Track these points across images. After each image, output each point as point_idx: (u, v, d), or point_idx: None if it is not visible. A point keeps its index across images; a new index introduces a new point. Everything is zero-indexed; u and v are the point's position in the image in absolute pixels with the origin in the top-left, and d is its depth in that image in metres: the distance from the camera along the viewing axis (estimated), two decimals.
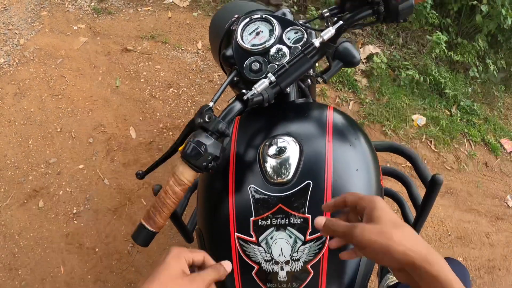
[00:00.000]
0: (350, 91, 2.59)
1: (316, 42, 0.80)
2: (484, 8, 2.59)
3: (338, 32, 0.81)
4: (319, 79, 1.28)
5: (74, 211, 1.99)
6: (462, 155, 2.53)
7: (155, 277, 0.55)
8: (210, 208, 0.84)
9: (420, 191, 0.96)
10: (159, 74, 2.51)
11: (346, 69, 2.56)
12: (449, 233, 2.16)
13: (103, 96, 2.40)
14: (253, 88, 0.77)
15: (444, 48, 2.66)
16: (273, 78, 0.78)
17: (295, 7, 2.81)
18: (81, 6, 3.06)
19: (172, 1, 2.99)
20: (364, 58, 2.74)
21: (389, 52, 2.85)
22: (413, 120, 2.55)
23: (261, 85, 0.77)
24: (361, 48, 2.77)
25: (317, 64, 1.32)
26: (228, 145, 0.86)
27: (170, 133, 2.24)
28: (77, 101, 2.39)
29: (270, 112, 0.93)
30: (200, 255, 0.62)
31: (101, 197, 2.02)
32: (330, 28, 0.80)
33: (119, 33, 2.77)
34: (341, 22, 0.81)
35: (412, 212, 1.01)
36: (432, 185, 0.83)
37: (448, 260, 0.89)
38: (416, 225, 0.94)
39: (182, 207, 0.99)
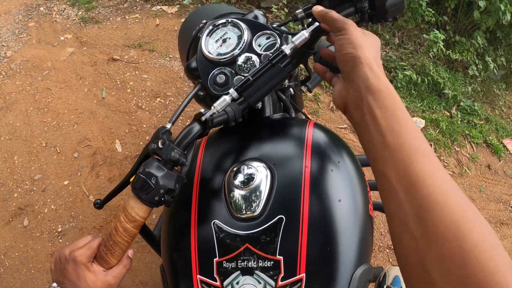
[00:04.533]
0: None
1: (287, 50, 0.68)
2: (482, 3, 2.49)
3: (314, 35, 0.70)
4: (303, 88, 1.18)
5: (59, 229, 1.92)
6: (463, 158, 2.43)
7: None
8: (171, 245, 0.74)
9: None
10: (145, 84, 2.43)
11: None
12: None
13: (88, 108, 2.33)
14: (212, 107, 0.67)
15: (441, 46, 2.56)
16: (235, 94, 0.68)
17: (286, 9, 2.72)
18: (68, 15, 3.00)
19: (160, 8, 2.92)
20: None
21: (384, 52, 2.76)
22: None
23: (221, 103, 0.67)
24: None
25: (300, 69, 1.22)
26: (192, 170, 0.77)
27: None
28: (63, 114, 2.32)
29: (241, 130, 0.82)
30: (92, 246, 0.67)
31: (86, 214, 1.95)
32: (304, 31, 0.68)
33: (106, 42, 2.70)
34: (316, 24, 0.69)
35: None
36: None
37: None
38: None
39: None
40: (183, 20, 2.81)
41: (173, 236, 0.74)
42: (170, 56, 2.58)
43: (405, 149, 0.46)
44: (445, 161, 2.37)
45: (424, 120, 2.47)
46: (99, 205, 0.76)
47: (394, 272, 1.37)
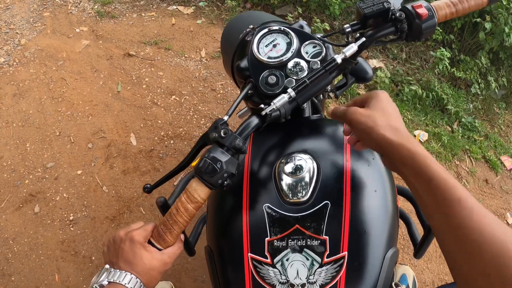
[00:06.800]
0: None
1: (338, 59, 0.77)
2: (487, 25, 2.60)
3: (360, 48, 0.79)
4: (331, 94, 1.26)
5: (71, 218, 1.95)
6: (463, 171, 2.52)
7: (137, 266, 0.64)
8: (221, 227, 0.80)
9: None
10: (161, 81, 2.48)
11: None
12: None
13: (103, 101, 2.37)
14: (271, 104, 0.74)
15: (447, 64, 2.66)
16: (293, 93, 0.75)
17: (300, 19, 2.80)
18: (84, 8, 3.04)
19: (176, 8, 2.98)
20: None
21: (392, 66, 2.85)
22: (415, 136, 2.54)
23: (280, 100, 0.74)
24: None
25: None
26: (242, 161, 0.83)
27: (172, 141, 2.20)
28: (77, 105, 2.35)
29: (284, 128, 0.90)
30: (148, 228, 0.70)
31: (99, 204, 1.98)
32: (353, 44, 0.77)
33: (122, 38, 2.75)
34: (363, 38, 0.79)
35: (419, 231, 0.99)
36: None
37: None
38: (422, 245, 0.92)
39: None
40: (199, 21, 2.87)
41: (224, 219, 0.80)
42: (185, 55, 2.63)
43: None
44: None
45: (427, 133, 2.56)
46: (149, 189, 0.81)
47: (401, 270, 1.44)
